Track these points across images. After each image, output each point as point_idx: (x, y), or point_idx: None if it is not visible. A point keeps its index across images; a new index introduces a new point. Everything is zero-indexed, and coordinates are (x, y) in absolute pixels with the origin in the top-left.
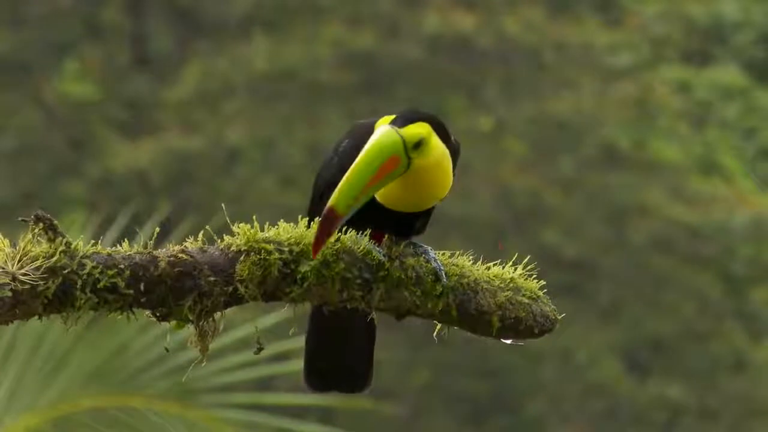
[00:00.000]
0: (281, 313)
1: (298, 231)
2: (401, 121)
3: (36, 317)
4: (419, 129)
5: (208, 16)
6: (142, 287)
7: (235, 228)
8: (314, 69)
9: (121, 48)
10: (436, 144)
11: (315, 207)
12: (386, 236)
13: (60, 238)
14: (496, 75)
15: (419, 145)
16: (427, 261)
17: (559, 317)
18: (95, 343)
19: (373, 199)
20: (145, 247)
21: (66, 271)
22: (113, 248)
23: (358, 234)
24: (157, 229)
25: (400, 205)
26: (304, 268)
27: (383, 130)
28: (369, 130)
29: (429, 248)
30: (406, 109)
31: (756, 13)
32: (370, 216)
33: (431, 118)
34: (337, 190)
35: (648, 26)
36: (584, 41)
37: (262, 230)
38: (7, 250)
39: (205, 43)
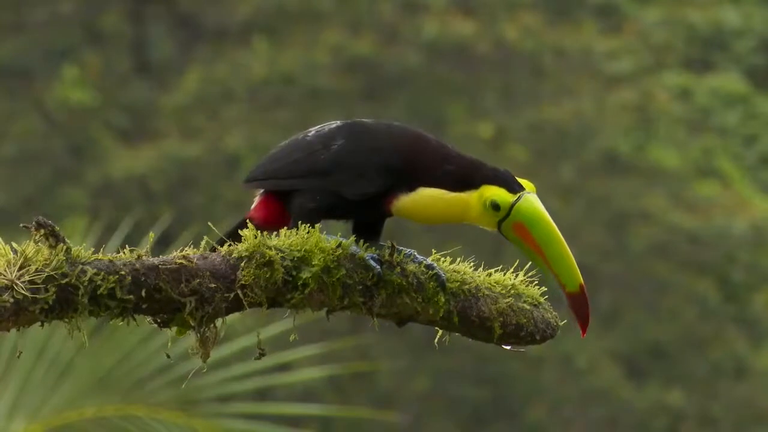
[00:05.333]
0: (281, 323)
1: (299, 237)
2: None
3: (37, 324)
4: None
5: (208, 23)
6: (143, 293)
7: (242, 233)
8: (313, 75)
9: (121, 54)
10: None
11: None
12: (389, 242)
13: (61, 245)
14: (496, 81)
15: None
16: (429, 268)
17: (561, 323)
18: (99, 352)
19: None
20: (147, 254)
21: (67, 277)
22: (114, 254)
23: (358, 242)
24: (152, 235)
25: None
26: (305, 274)
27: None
28: (367, 135)
29: (414, 251)
30: (507, 172)
31: (756, 20)
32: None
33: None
34: (572, 272)
35: (648, 32)
36: (584, 47)
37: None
38: (9, 256)
39: (205, 50)
